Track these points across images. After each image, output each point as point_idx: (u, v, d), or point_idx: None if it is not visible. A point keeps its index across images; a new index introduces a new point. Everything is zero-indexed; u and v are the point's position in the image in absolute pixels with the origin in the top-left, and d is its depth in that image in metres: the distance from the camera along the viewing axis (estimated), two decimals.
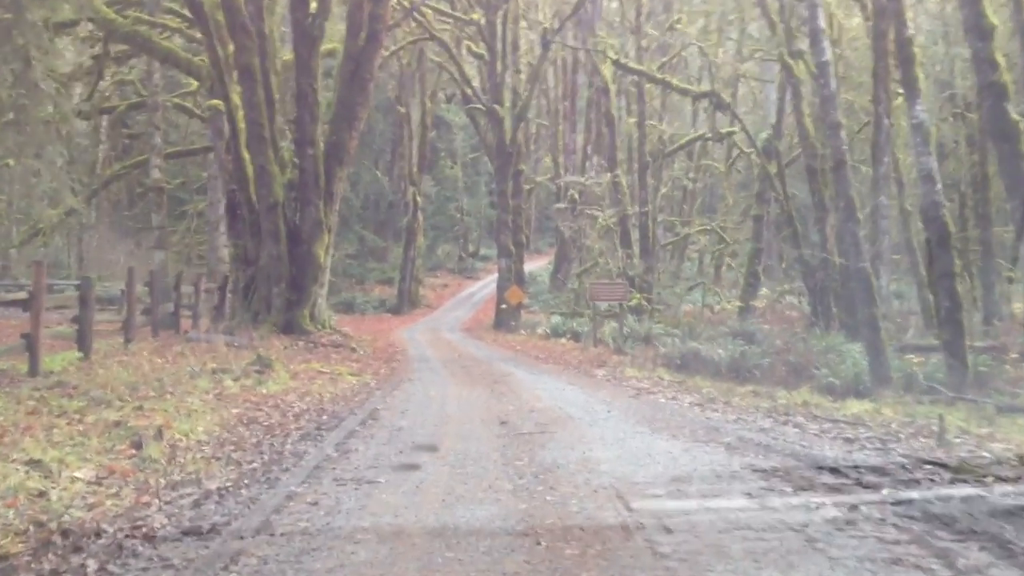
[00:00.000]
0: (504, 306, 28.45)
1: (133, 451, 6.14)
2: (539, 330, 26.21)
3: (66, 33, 21.87)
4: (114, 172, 27.34)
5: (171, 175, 33.79)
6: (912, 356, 14.53)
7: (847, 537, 3.93)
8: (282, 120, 20.17)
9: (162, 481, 5.32)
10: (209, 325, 18.91)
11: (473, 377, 13.56)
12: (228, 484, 5.19)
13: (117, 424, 6.99)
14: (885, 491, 4.80)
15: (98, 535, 4.07)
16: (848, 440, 6.70)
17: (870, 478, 5.12)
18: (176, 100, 25.62)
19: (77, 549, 3.88)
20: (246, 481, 5.28)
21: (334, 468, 5.74)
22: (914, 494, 4.72)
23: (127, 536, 4.05)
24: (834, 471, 5.37)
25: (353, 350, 17.36)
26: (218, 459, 6.05)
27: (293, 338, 17.09)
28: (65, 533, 4.11)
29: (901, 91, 24.24)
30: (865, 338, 15.42)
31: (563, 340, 23.29)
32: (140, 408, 7.86)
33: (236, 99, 18.25)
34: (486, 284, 42.51)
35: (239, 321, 17.93)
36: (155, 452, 6.00)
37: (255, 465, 5.84)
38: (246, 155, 18.30)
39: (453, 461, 5.94)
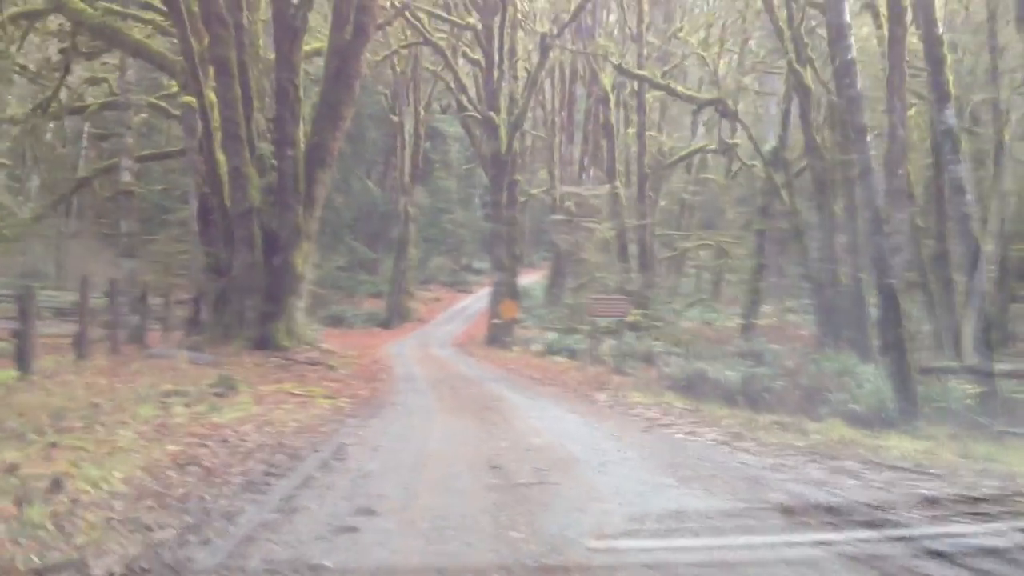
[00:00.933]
0: (497, 321, 27.14)
1: (15, 510, 4.76)
2: (533, 347, 24.90)
3: (34, 27, 20.56)
4: (85, 175, 25.91)
5: (154, 181, 32.38)
6: (964, 382, 13.24)
7: None
8: (263, 120, 18.87)
9: (34, 561, 3.93)
10: (180, 339, 17.55)
11: (462, 401, 12.18)
12: (119, 571, 3.80)
13: (13, 469, 5.60)
14: None
15: None
16: (929, 501, 5.33)
17: (992, 568, 3.76)
18: (152, 99, 24.22)
19: None
20: (144, 564, 3.89)
21: (270, 539, 4.35)
22: None
23: None
24: (940, 557, 4.01)
25: (332, 368, 15.96)
26: (125, 523, 4.65)
27: (267, 354, 15.68)
28: None
29: (914, 101, 23.20)
30: (893, 362, 14.08)
31: (558, 358, 21.98)
32: (54, 445, 6.48)
33: (211, 95, 16.92)
34: (479, 298, 41.22)
35: (209, 336, 16.52)
36: (38, 515, 4.60)
37: (168, 533, 4.45)
38: (220, 156, 16.95)
39: (428, 530, 4.55)
